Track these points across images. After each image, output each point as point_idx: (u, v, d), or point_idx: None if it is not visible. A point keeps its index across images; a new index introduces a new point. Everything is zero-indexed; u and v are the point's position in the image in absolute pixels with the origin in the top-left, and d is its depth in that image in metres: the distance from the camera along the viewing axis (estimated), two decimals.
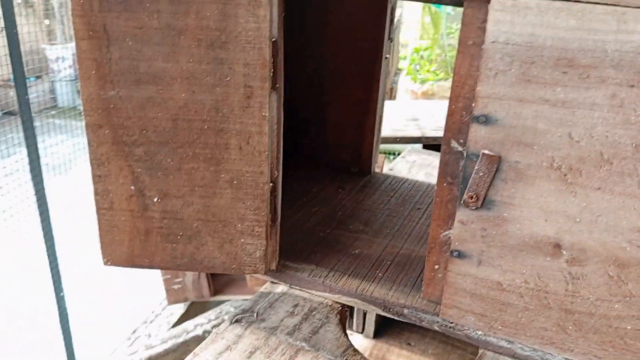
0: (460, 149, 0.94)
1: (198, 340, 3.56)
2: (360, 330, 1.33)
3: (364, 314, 1.31)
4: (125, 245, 1.11)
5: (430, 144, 2.25)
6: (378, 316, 1.29)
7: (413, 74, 7.42)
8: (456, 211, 0.95)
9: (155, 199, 1.07)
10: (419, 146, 2.36)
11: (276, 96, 1.02)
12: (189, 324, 3.61)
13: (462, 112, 0.92)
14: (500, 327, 0.99)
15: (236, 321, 1.04)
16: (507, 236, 0.93)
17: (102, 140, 1.03)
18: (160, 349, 3.43)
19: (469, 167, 0.91)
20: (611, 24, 0.76)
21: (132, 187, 1.06)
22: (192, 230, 1.09)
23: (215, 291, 3.69)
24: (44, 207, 2.88)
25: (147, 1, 0.93)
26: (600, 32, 0.77)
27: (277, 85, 1.02)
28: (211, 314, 3.73)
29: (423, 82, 7.30)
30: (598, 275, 0.88)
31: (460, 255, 0.97)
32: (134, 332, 3.65)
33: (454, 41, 8.41)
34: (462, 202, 0.93)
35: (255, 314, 1.06)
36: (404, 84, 7.25)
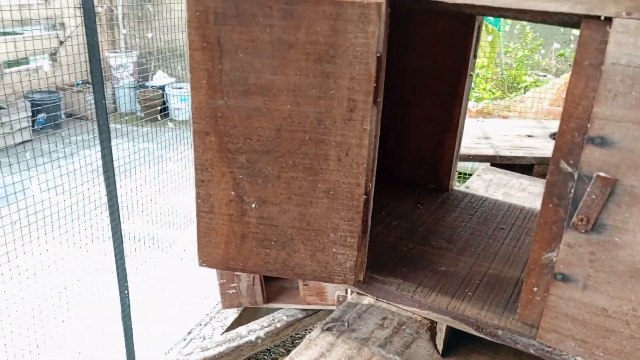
0: (570, 170, 0.92)
1: (251, 345, 3.60)
2: None
3: None
4: (221, 248, 1.15)
5: (501, 163, 2.21)
6: (447, 335, 1.27)
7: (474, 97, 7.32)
8: (563, 233, 0.93)
9: (254, 205, 1.10)
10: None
11: (376, 110, 1.04)
12: (242, 329, 3.65)
13: (574, 133, 0.90)
14: (602, 354, 0.96)
15: (327, 329, 1.05)
16: (617, 261, 0.90)
17: (207, 147, 1.07)
18: (214, 351, 3.48)
19: (580, 189, 0.89)
20: None
21: (233, 193, 1.10)
22: (286, 237, 1.12)
23: (268, 299, 3.73)
24: (114, 207, 2.99)
25: (260, 16, 0.96)
26: None
27: (378, 100, 1.03)
28: (264, 320, 3.77)
29: (478, 100, 7.20)
30: None
31: (565, 278, 0.95)
32: (189, 333, 3.73)
33: (511, 60, 8.27)
34: (570, 224, 0.92)
35: (345, 324, 1.07)
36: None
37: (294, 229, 1.11)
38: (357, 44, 0.96)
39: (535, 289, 1.02)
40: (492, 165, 2.39)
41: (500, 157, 2.11)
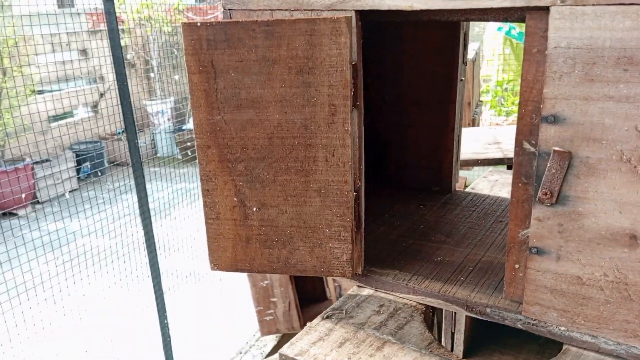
0: (532, 149, 1.00)
1: None
2: (449, 348, 1.36)
3: (452, 334, 1.34)
4: (229, 251, 1.26)
5: (510, 165, 2.26)
6: (467, 335, 1.32)
7: (497, 107, 7.33)
8: (532, 209, 1.01)
9: (254, 209, 1.21)
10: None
11: (357, 113, 1.15)
12: None
13: (532, 115, 0.98)
14: (582, 321, 1.01)
15: (327, 317, 1.14)
16: (584, 230, 0.97)
17: (210, 159, 1.20)
18: None
19: (542, 165, 0.97)
20: None
21: (235, 199, 1.22)
22: (286, 236, 1.22)
23: (305, 323, 3.80)
24: (152, 246, 3.16)
25: (246, 38, 1.10)
26: None
27: (357, 104, 1.14)
28: None
29: (508, 114, 7.19)
30: None
31: (539, 251, 1.02)
32: None
33: None
34: (537, 199, 0.99)
35: (344, 312, 1.15)
36: (488, 117, 7.18)
37: (292, 228, 1.21)
38: (332, 55, 1.08)
39: (516, 265, 1.08)
40: (508, 169, 2.43)
41: (508, 159, 2.16)
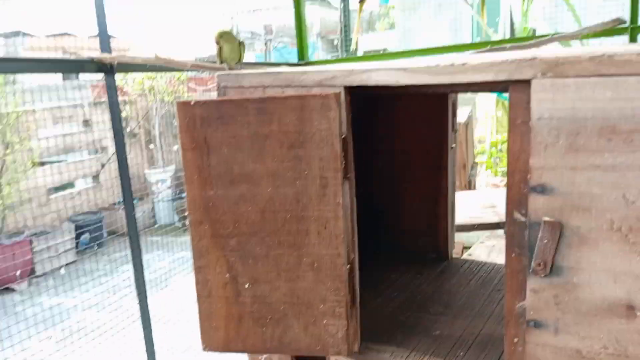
0: (523, 219, 1.00)
1: None
2: None
3: None
4: (221, 330, 1.23)
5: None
6: None
7: (493, 168, 7.41)
8: (527, 280, 0.99)
9: (247, 285, 1.19)
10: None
11: (348, 185, 1.15)
12: None
13: (520, 185, 0.99)
14: None
15: None
16: (580, 301, 0.95)
17: (202, 235, 1.19)
18: None
19: (533, 236, 0.96)
20: None
21: (227, 275, 1.20)
22: (279, 313, 1.19)
23: None
24: (147, 321, 3.09)
25: (238, 115, 1.12)
26: (637, 99, 0.84)
27: (349, 175, 1.15)
28: None
29: (504, 174, 7.25)
30: None
31: (537, 324, 0.99)
32: None
33: None
34: (531, 270, 0.98)
35: None
36: (485, 178, 7.24)
37: (286, 305, 1.19)
38: (321, 129, 1.10)
39: (515, 339, 1.05)
40: None
41: (504, 223, 2.15)
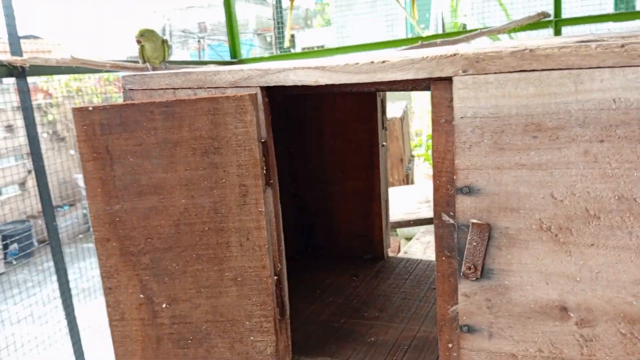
0: (451, 221, 0.95)
1: None
2: None
3: None
4: (138, 355, 1.12)
5: None
6: None
7: (430, 159, 7.55)
8: (458, 284, 0.95)
9: (164, 305, 1.09)
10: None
11: (271, 192, 1.07)
12: None
13: (447, 186, 0.94)
14: None
15: None
16: (512, 304, 0.91)
17: (110, 253, 1.08)
18: None
19: (462, 238, 0.92)
20: (569, 86, 0.80)
21: (142, 296, 1.09)
22: (201, 332, 1.10)
23: None
24: (76, 336, 2.90)
25: (143, 121, 1.02)
26: (561, 94, 0.81)
27: (272, 182, 1.07)
28: None
29: None
30: (610, 334, 0.84)
31: (470, 329, 0.95)
32: None
33: None
34: (461, 274, 0.93)
35: None
36: (423, 170, 7.37)
37: (208, 323, 1.10)
38: (238, 134, 1.01)
39: (449, 345, 1.01)
40: None
41: None
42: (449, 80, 0.88)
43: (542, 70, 0.81)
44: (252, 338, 1.10)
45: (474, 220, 0.90)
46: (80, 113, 1.02)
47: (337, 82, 0.96)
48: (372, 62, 0.92)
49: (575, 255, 0.85)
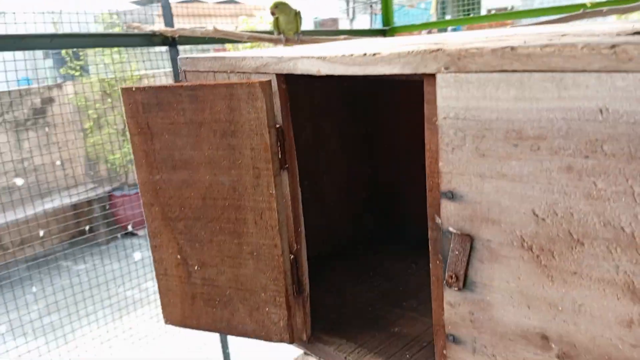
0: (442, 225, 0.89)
1: None
2: None
3: None
4: (178, 307, 1.27)
5: None
6: None
7: None
8: (443, 292, 0.90)
9: (196, 267, 1.22)
10: None
11: (288, 175, 1.11)
12: None
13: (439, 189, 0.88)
14: None
15: None
16: (495, 322, 0.84)
17: (154, 217, 1.23)
18: None
19: (447, 245, 0.86)
20: (552, 92, 0.69)
21: (179, 256, 1.23)
22: (226, 296, 1.21)
23: None
24: None
25: (174, 102, 1.12)
26: (543, 100, 0.70)
27: (287, 166, 1.10)
28: None
29: None
30: None
31: (456, 340, 0.90)
32: None
33: None
34: (444, 282, 0.88)
35: None
36: None
37: (231, 289, 1.19)
38: (250, 119, 1.06)
39: (444, 351, 0.97)
40: None
41: None
42: (433, 77, 0.81)
43: (524, 71, 0.70)
44: (267, 309, 1.17)
45: (452, 229, 0.83)
46: (126, 92, 1.15)
47: (335, 73, 0.94)
48: (365, 54, 0.88)
49: (557, 281, 0.75)
